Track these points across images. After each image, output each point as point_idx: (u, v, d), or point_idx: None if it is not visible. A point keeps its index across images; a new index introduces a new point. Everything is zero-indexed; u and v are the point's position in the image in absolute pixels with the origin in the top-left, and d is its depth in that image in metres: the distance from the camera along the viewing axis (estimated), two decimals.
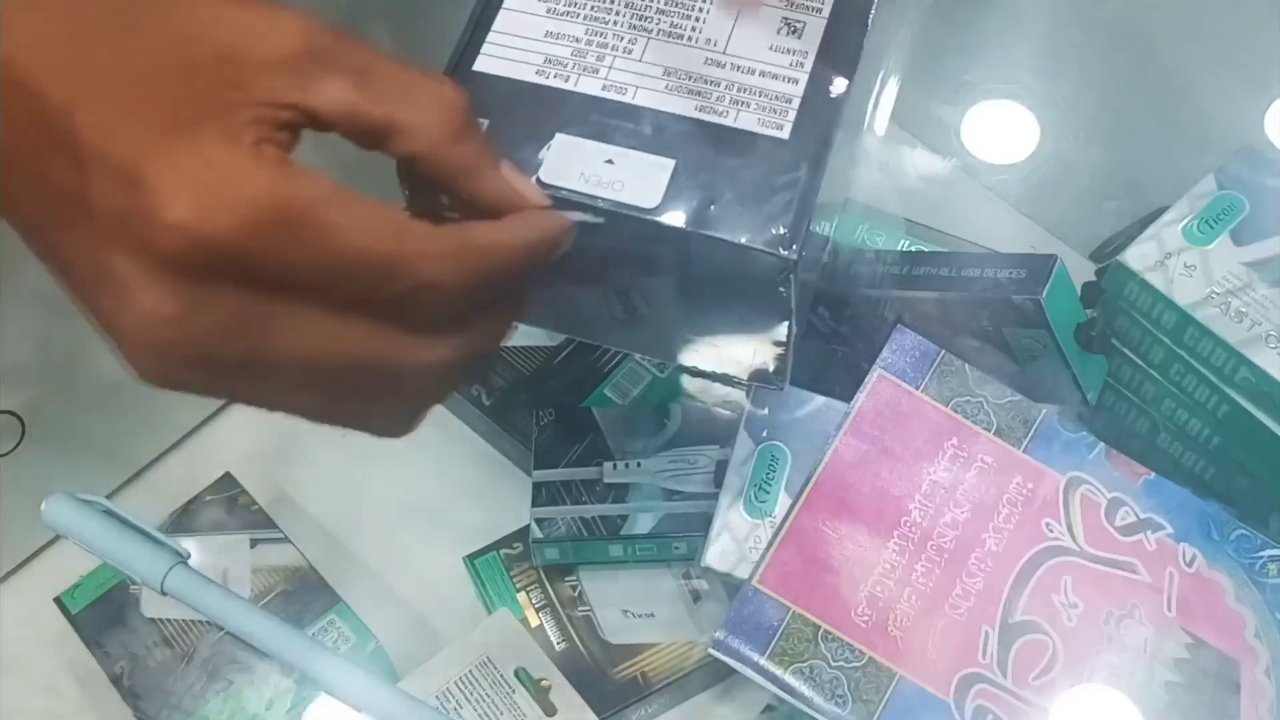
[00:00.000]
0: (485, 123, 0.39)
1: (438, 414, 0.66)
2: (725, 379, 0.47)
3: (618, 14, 0.42)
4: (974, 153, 0.68)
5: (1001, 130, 0.68)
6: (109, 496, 0.47)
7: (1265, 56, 0.66)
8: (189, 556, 0.45)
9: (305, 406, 0.34)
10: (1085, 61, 0.69)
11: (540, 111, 0.40)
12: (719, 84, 0.40)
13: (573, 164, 0.39)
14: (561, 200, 0.38)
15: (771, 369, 0.43)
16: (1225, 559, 0.51)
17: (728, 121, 0.40)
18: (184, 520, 0.61)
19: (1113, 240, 0.60)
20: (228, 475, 0.63)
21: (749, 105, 0.40)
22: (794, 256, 0.38)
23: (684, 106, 0.40)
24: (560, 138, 0.39)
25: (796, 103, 0.40)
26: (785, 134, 0.40)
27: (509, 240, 0.34)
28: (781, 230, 0.38)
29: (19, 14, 0.29)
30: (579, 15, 0.42)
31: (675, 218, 0.38)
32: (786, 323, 0.41)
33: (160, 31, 0.30)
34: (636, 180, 0.39)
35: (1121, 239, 0.57)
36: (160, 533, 0.45)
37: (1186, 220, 0.55)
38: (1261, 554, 0.51)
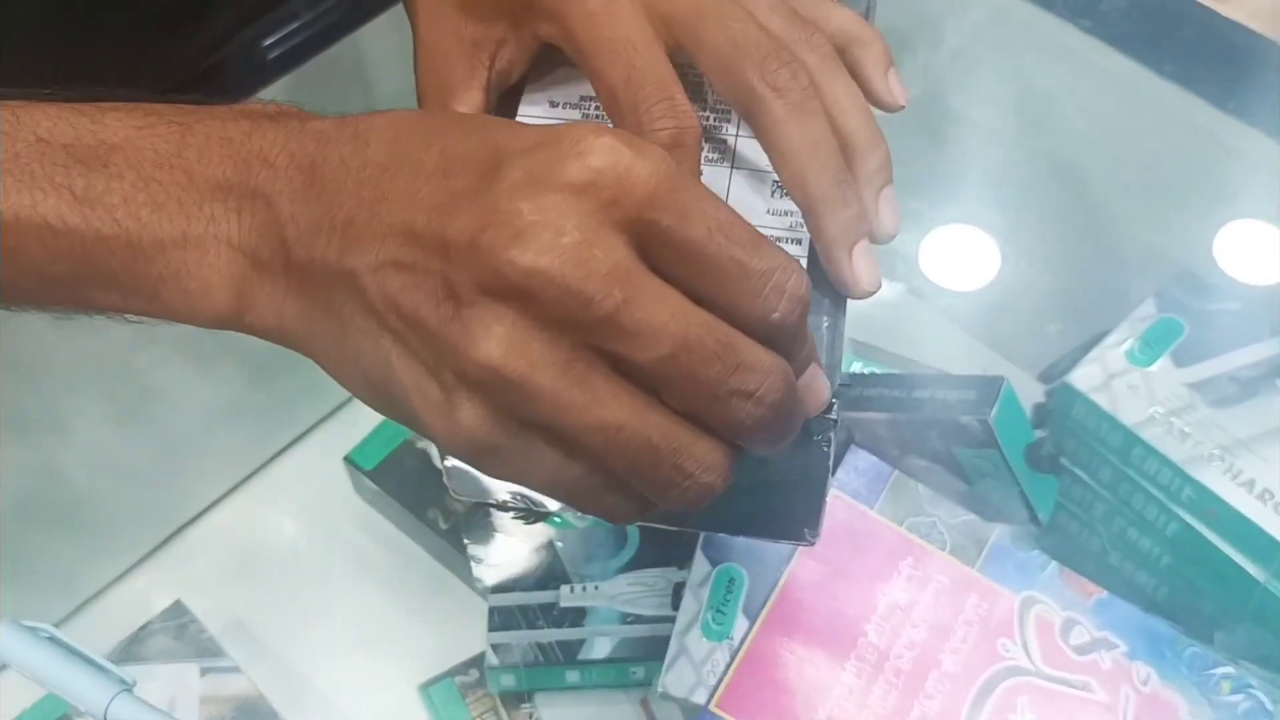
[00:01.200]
0: None
1: (391, 535, 0.66)
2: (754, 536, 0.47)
3: None
4: (926, 277, 0.70)
5: (951, 256, 0.70)
6: (58, 624, 0.46)
7: (1201, 185, 0.68)
8: (133, 685, 0.44)
9: (584, 485, 0.33)
10: (1029, 190, 0.72)
11: None
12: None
13: None
14: None
15: (805, 525, 0.43)
16: (1179, 678, 0.51)
17: None
18: (133, 648, 0.60)
19: (1060, 362, 0.61)
20: (178, 603, 0.62)
21: None
22: (834, 415, 0.38)
23: None
24: None
25: (804, 262, 0.40)
26: None
27: (805, 401, 0.35)
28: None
29: None
30: None
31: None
32: (823, 477, 0.40)
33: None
34: None
35: (1068, 361, 0.58)
36: (107, 661, 0.45)
37: (1128, 342, 0.56)
38: (1214, 671, 0.51)
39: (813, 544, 0.43)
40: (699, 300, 0.31)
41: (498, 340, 0.30)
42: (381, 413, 0.35)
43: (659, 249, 0.31)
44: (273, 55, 0.59)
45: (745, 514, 0.43)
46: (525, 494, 0.42)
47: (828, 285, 0.40)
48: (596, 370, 0.31)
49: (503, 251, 0.29)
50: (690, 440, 0.32)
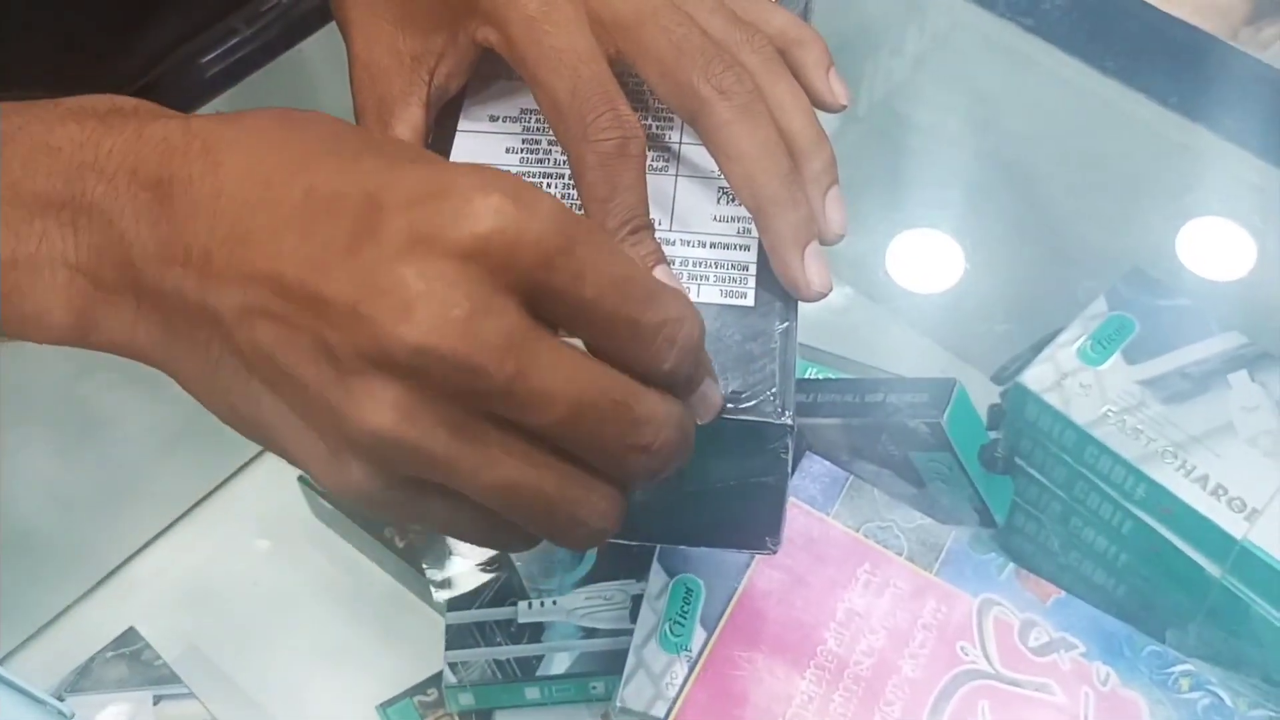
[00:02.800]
0: None
1: (349, 556, 0.65)
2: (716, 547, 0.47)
3: None
4: (878, 280, 0.70)
5: (904, 259, 0.70)
6: (7, 655, 0.45)
7: (1149, 182, 0.68)
8: (72, 716, 0.43)
9: (477, 528, 0.33)
10: (980, 192, 0.72)
11: None
12: (673, 262, 0.39)
13: None
14: None
15: (766, 533, 0.43)
16: (1139, 677, 0.51)
17: (691, 298, 0.39)
18: (84, 679, 0.59)
19: (1013, 363, 0.61)
20: (131, 630, 0.61)
21: (708, 279, 0.40)
22: (790, 421, 0.38)
23: None
24: None
25: (753, 268, 0.40)
26: (750, 300, 0.39)
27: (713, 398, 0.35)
28: (772, 396, 0.37)
29: None
30: None
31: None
32: (782, 485, 0.40)
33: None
34: None
35: (1021, 361, 0.58)
36: (53, 694, 0.44)
37: (1080, 341, 0.56)
38: (1173, 669, 0.51)
39: (774, 552, 0.43)
40: (594, 350, 0.31)
41: (387, 410, 0.29)
42: (252, 440, 0.34)
43: (551, 307, 0.30)
44: (211, 72, 0.58)
45: (705, 525, 0.43)
46: None
47: (778, 289, 0.39)
48: (490, 430, 0.30)
49: (390, 326, 0.28)
50: (584, 492, 0.32)
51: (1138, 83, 0.63)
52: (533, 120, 0.43)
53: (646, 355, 0.31)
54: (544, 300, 0.30)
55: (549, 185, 0.41)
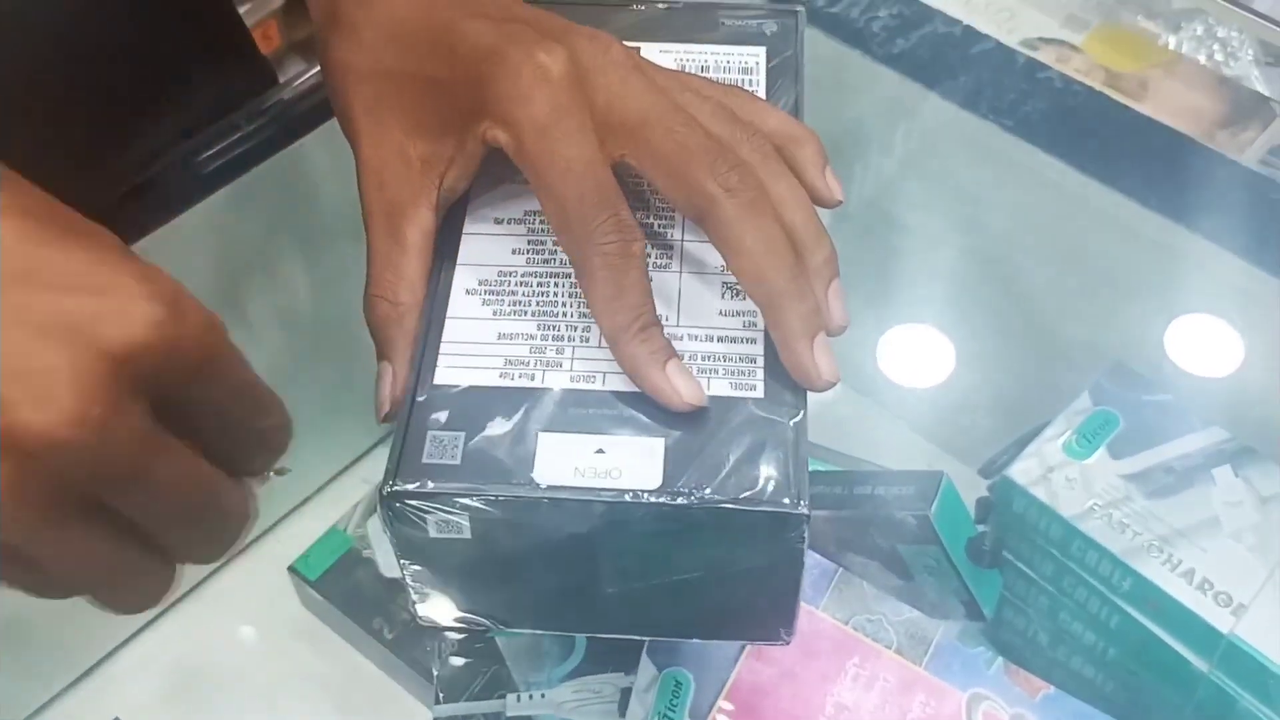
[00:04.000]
0: (462, 435, 0.39)
1: (337, 647, 0.65)
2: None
3: (563, 304, 0.42)
4: (867, 374, 0.70)
5: (893, 354, 0.71)
6: None
7: (1128, 279, 0.70)
8: None
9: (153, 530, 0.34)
10: (968, 290, 0.73)
11: (515, 414, 0.39)
12: (682, 356, 0.40)
13: (565, 460, 0.38)
14: (567, 499, 0.38)
15: (780, 624, 0.43)
16: None
17: (702, 390, 0.39)
18: None
19: (1000, 456, 0.62)
20: None
21: (717, 372, 0.40)
22: (805, 511, 0.38)
23: None
24: (545, 437, 0.39)
25: (761, 360, 0.40)
26: (760, 392, 0.40)
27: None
28: (787, 485, 0.38)
29: None
30: (526, 312, 0.41)
31: (680, 495, 0.38)
32: (796, 575, 0.40)
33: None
34: (632, 464, 0.38)
35: (1008, 455, 0.59)
36: None
37: (1065, 435, 0.57)
38: None
39: (788, 643, 0.43)
40: (203, 441, 0.33)
41: None
42: None
43: (176, 407, 0.32)
44: (210, 169, 0.59)
45: (720, 617, 0.43)
46: (474, 618, 0.42)
47: (788, 380, 0.40)
48: (76, 513, 0.31)
49: (26, 410, 0.29)
50: (142, 573, 0.34)
51: (1118, 183, 0.65)
52: (537, 222, 0.44)
53: (246, 454, 0.35)
54: (171, 401, 0.31)
55: (555, 285, 0.42)
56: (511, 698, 0.58)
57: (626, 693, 0.55)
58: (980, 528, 0.57)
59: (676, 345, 0.40)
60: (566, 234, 0.39)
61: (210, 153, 0.60)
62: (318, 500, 0.69)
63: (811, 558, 0.54)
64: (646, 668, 0.53)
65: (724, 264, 0.40)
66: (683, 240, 0.43)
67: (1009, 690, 0.52)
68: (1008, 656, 0.53)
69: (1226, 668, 0.51)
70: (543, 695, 0.58)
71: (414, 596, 0.41)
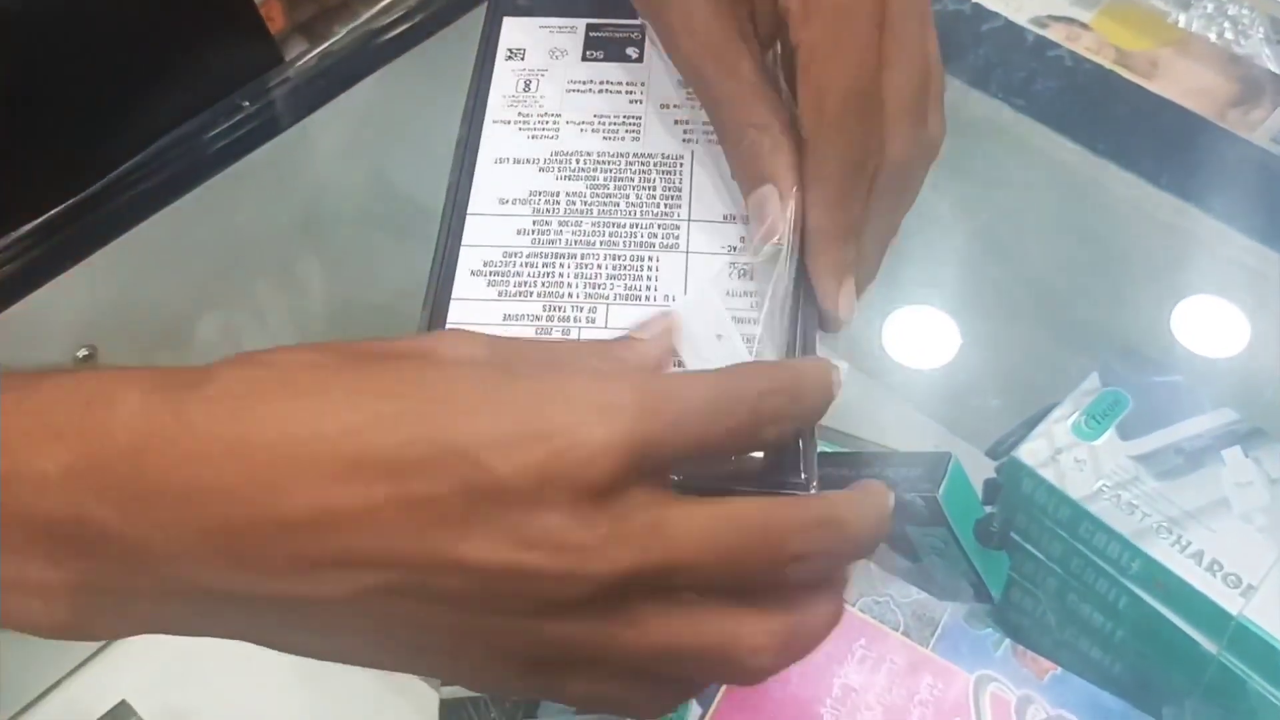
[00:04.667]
0: None
1: None
2: None
3: (570, 286, 0.41)
4: (876, 355, 0.70)
5: (902, 335, 0.70)
6: None
7: (1139, 260, 0.69)
8: None
9: (623, 699, 0.33)
10: (976, 271, 0.72)
11: None
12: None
13: None
14: None
15: None
16: None
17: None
18: None
19: (1007, 438, 0.62)
20: (123, 703, 0.60)
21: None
22: (815, 489, 0.37)
23: None
24: None
25: (760, 333, 0.40)
26: None
27: (870, 516, 0.34)
28: (798, 464, 0.37)
29: None
30: (532, 293, 0.41)
31: (689, 476, 0.37)
32: None
33: None
34: None
35: (1016, 436, 0.58)
36: None
37: (1074, 416, 0.56)
38: None
39: None
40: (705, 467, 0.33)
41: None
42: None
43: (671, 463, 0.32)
44: (215, 148, 0.59)
45: None
46: None
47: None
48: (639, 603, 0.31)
49: (580, 570, 0.29)
50: (738, 626, 0.32)
51: (1128, 163, 0.64)
52: (542, 202, 0.43)
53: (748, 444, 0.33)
54: (666, 462, 0.31)
55: (561, 266, 0.42)
56: None
57: None
58: (988, 509, 0.56)
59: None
60: (815, 117, 0.38)
61: (215, 132, 0.60)
62: None
63: None
64: None
65: (731, 245, 0.40)
66: (690, 220, 0.43)
67: (1016, 672, 0.52)
68: (1015, 638, 0.53)
69: (1235, 649, 0.51)
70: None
71: None
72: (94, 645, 0.64)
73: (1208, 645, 0.52)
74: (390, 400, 0.30)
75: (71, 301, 0.56)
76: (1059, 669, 0.52)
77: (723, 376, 0.33)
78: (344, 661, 0.33)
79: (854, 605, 0.53)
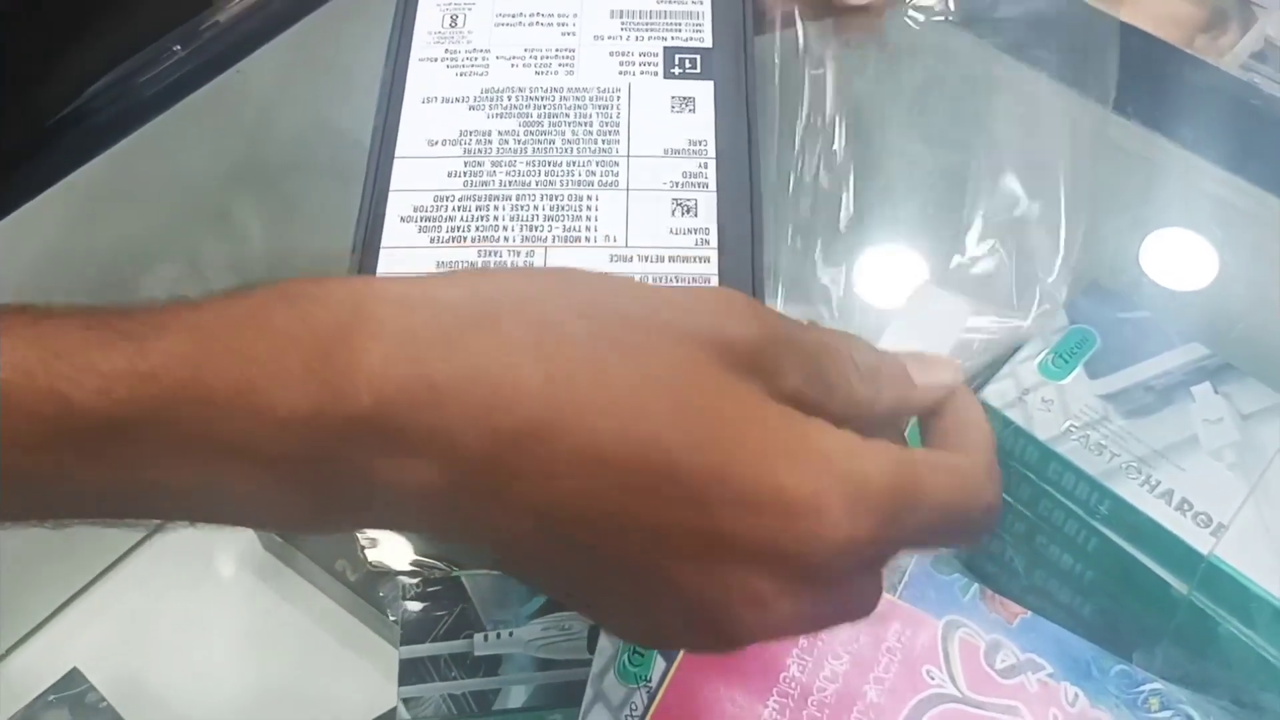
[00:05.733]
0: None
1: (298, 589, 0.63)
2: None
3: (505, 229, 0.40)
4: (843, 298, 0.68)
5: (867, 274, 0.69)
6: None
7: (1107, 192, 0.68)
8: None
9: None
10: (937, 205, 0.71)
11: None
12: (633, 278, 0.38)
13: None
14: None
15: None
16: (1107, 697, 0.50)
17: None
18: None
19: (974, 379, 0.60)
20: (74, 671, 0.59)
21: None
22: None
23: None
24: None
25: (715, 280, 0.39)
26: None
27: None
28: None
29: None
30: (466, 238, 0.39)
31: None
32: None
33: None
34: None
35: (981, 377, 0.57)
36: None
37: (1041, 355, 0.55)
38: (1142, 688, 0.50)
39: None
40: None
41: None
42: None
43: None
44: (149, 93, 0.57)
45: None
46: (428, 561, 0.41)
47: None
48: None
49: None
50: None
51: (1095, 92, 0.62)
52: (473, 142, 0.41)
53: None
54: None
55: (495, 209, 0.40)
56: (479, 637, 0.57)
57: (595, 630, 0.54)
58: None
59: (626, 267, 0.38)
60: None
61: (147, 77, 0.57)
62: None
63: None
64: None
65: (673, 181, 0.38)
66: (629, 155, 0.41)
67: (985, 617, 0.51)
68: (984, 583, 0.52)
69: (1206, 589, 0.50)
70: (510, 634, 0.57)
71: (363, 541, 0.39)
72: (44, 612, 0.63)
73: (1178, 586, 0.51)
74: (686, 416, 0.30)
75: (5, 251, 0.54)
76: (1029, 613, 0.51)
77: (968, 484, 0.33)
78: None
79: None
